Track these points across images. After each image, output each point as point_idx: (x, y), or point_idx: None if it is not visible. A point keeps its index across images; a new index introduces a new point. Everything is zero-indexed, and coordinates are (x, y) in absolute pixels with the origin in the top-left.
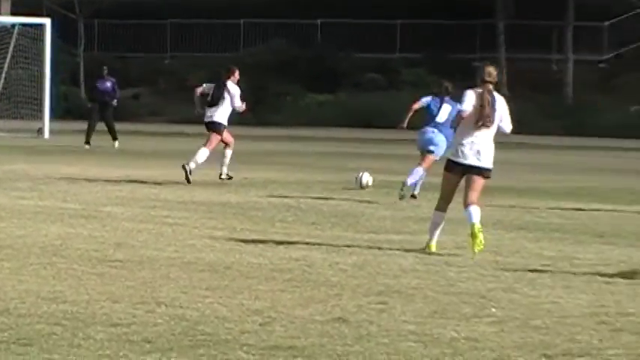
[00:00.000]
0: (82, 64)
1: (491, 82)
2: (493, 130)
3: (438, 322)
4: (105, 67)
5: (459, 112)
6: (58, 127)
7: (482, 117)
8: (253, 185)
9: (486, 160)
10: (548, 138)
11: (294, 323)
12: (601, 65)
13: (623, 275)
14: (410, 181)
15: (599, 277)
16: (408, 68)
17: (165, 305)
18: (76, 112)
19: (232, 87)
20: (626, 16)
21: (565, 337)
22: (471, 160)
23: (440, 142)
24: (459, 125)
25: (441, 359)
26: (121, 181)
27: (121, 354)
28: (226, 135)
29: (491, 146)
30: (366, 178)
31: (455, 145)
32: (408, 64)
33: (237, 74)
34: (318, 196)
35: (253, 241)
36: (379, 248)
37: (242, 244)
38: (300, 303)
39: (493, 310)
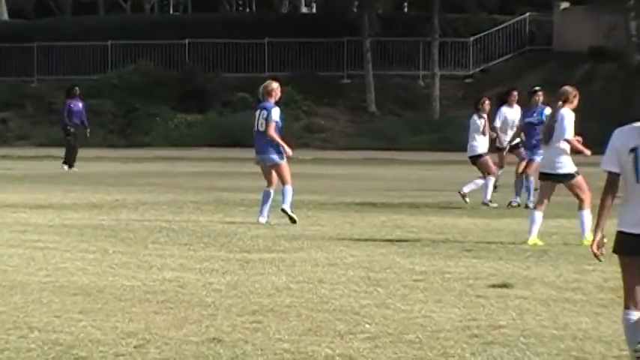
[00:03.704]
0: None
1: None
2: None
3: (313, 340)
4: (77, 87)
5: None
6: None
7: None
8: (125, 207)
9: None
10: (417, 153)
11: (168, 344)
12: (467, 80)
13: (494, 288)
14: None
15: (470, 291)
16: None
17: (39, 330)
18: None
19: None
20: (490, 31)
21: (438, 351)
22: None
23: None
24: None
25: None
26: None
27: None
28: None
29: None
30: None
31: None
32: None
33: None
34: (190, 217)
35: (126, 264)
36: (252, 267)
37: (114, 266)
38: (174, 324)
39: (367, 326)
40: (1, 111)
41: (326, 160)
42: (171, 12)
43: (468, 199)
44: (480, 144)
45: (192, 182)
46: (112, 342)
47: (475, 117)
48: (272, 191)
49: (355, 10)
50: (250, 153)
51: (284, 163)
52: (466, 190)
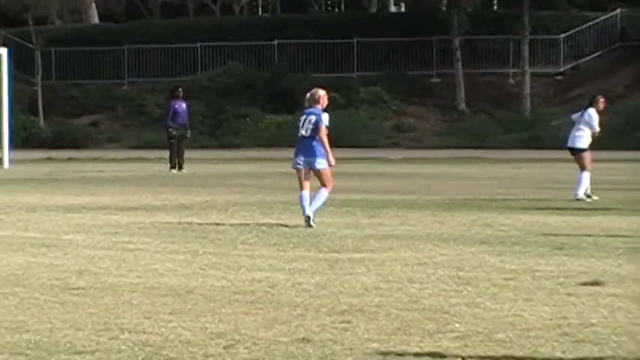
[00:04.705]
0: (39, 92)
1: None
2: None
3: (402, 339)
4: (180, 89)
5: None
6: (17, 157)
7: None
8: (214, 208)
9: None
10: (507, 152)
11: (258, 345)
12: (558, 78)
13: (585, 286)
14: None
15: (560, 289)
16: (365, 87)
17: (129, 331)
18: (34, 141)
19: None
20: (580, 28)
21: (528, 349)
22: None
23: None
24: None
25: None
26: (81, 208)
27: None
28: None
29: None
30: None
31: None
32: (365, 83)
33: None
34: (279, 217)
35: (215, 264)
36: (341, 267)
37: (204, 267)
38: (263, 324)
39: (456, 325)
40: (93, 114)
41: (415, 159)
42: (260, 13)
43: (595, 197)
44: (585, 138)
45: (281, 183)
46: (201, 343)
47: (593, 111)
48: (308, 192)
49: (444, 8)
50: (340, 153)
51: (328, 169)
52: (581, 192)
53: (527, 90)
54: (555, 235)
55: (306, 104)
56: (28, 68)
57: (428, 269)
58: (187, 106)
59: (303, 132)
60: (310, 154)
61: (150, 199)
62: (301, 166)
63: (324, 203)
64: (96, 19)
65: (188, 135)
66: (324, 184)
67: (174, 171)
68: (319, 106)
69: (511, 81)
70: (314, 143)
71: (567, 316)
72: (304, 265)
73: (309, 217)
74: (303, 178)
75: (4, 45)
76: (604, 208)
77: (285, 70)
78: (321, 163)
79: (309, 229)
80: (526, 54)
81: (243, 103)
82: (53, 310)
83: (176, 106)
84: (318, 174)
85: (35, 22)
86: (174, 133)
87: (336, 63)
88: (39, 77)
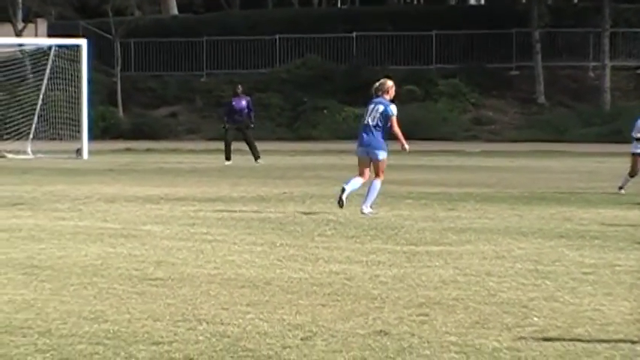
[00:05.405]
0: (119, 84)
1: None
2: None
3: (480, 333)
4: (239, 86)
5: None
6: (96, 148)
7: None
8: (292, 200)
9: None
10: (587, 145)
11: (335, 337)
12: (639, 71)
13: None
14: None
15: None
16: (444, 79)
17: (207, 322)
18: (113, 131)
19: None
20: None
21: (608, 344)
22: None
23: None
24: None
25: None
26: (159, 199)
27: None
28: None
29: None
30: None
31: None
32: (444, 75)
33: None
34: (356, 209)
35: (293, 256)
36: (419, 260)
37: (282, 259)
38: (341, 317)
39: (535, 319)
40: (172, 105)
41: (494, 152)
42: (338, 5)
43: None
44: None
45: None
46: (279, 334)
47: None
48: (362, 181)
49: (524, 1)
50: (418, 145)
51: (385, 159)
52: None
53: (608, 83)
54: (636, 229)
55: (374, 93)
56: (108, 59)
57: (506, 263)
58: (249, 101)
59: (370, 120)
60: (373, 144)
61: (228, 190)
62: (362, 155)
63: (379, 194)
64: (175, 11)
65: (251, 125)
66: (377, 174)
67: (227, 162)
68: (387, 97)
69: (591, 74)
70: (377, 133)
71: None
72: (382, 258)
73: (342, 203)
74: (364, 166)
75: (83, 36)
76: None
77: (363, 63)
78: (382, 155)
79: (387, 222)
80: (606, 47)
81: (320, 96)
82: (131, 301)
83: (233, 104)
84: (375, 164)
85: (115, 14)
86: (226, 127)
87: (415, 55)
88: (118, 68)
